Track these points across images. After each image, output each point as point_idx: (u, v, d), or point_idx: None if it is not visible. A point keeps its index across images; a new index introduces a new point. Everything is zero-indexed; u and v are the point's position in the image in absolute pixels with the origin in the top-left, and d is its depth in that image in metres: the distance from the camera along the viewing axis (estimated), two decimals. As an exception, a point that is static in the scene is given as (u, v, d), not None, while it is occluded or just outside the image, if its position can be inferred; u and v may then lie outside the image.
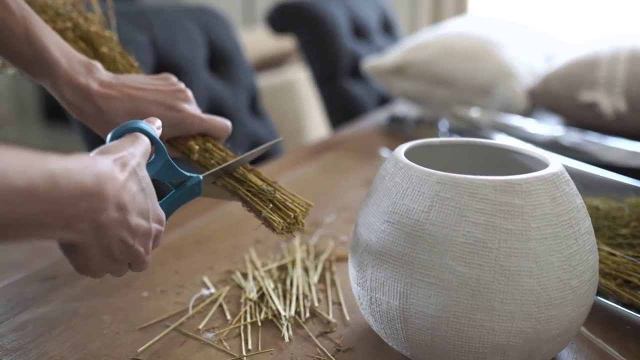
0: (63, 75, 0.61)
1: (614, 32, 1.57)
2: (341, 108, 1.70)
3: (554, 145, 1.11)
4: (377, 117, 1.50)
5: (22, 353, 0.57)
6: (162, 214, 0.51)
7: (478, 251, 0.47)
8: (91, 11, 0.73)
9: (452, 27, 1.66)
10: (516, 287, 0.47)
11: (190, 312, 0.64)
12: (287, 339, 0.59)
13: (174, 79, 0.67)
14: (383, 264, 0.51)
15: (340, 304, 0.66)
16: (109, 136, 0.52)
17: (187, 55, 1.20)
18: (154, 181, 0.52)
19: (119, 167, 0.45)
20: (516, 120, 1.26)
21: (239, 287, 0.69)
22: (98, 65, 0.63)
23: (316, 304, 0.65)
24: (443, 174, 0.49)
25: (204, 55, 1.26)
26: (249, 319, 0.62)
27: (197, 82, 1.21)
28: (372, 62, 1.56)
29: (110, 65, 0.69)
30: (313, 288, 0.68)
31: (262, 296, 0.67)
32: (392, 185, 0.53)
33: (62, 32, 0.69)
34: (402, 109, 1.59)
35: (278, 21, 1.67)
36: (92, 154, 0.47)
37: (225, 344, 0.59)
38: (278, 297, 0.66)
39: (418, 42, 1.55)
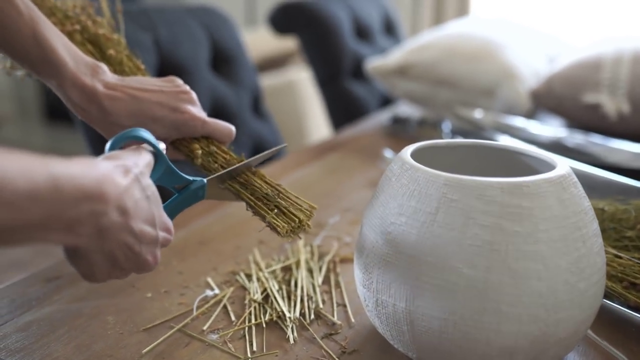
0: (69, 77, 0.61)
1: (617, 34, 1.56)
2: (343, 109, 1.70)
3: (557, 147, 1.11)
4: (380, 118, 1.50)
5: (26, 354, 0.57)
6: (170, 222, 0.51)
7: (485, 253, 0.47)
8: (100, 15, 0.73)
9: (455, 28, 1.66)
10: (524, 289, 0.47)
11: (195, 313, 0.64)
12: (292, 341, 0.59)
13: (179, 81, 0.67)
14: (389, 266, 0.51)
15: (345, 306, 0.66)
16: (108, 143, 0.51)
17: (190, 55, 1.20)
18: (158, 188, 0.52)
19: (121, 173, 0.45)
20: (519, 122, 1.25)
21: (243, 288, 0.69)
22: (104, 67, 0.63)
23: (321, 305, 0.65)
24: (450, 176, 0.49)
25: (207, 55, 1.26)
26: (253, 321, 0.62)
27: (200, 82, 1.21)
28: (375, 63, 1.55)
29: (117, 67, 0.69)
30: (317, 289, 0.68)
31: (266, 297, 0.67)
32: (399, 186, 0.52)
33: (70, 35, 0.69)
34: (405, 109, 1.58)
35: (280, 21, 1.67)
36: (99, 159, 0.47)
37: (229, 345, 0.59)
38: (282, 298, 0.66)
39: (421, 43, 1.55)
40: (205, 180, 0.59)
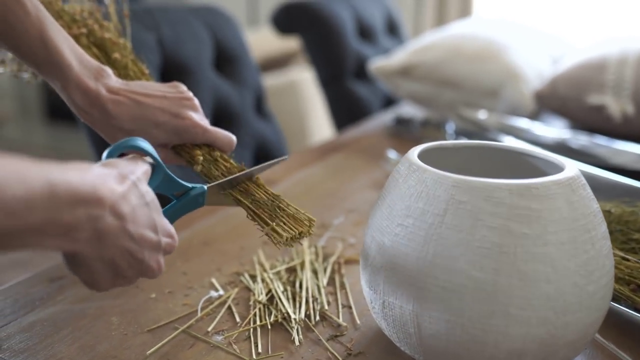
0: (73, 79, 0.61)
1: (622, 34, 1.56)
2: (346, 109, 1.69)
3: (561, 148, 1.11)
4: (383, 119, 1.49)
5: (30, 354, 0.57)
6: (172, 229, 0.51)
7: (494, 256, 0.46)
8: (107, 19, 0.73)
9: (458, 29, 1.65)
10: (533, 292, 0.46)
11: (199, 314, 0.63)
12: (297, 342, 0.59)
13: (182, 87, 0.67)
14: (397, 268, 0.51)
15: (350, 307, 0.65)
16: (106, 152, 0.51)
17: (193, 54, 1.20)
18: (158, 195, 0.51)
19: (117, 180, 0.45)
20: (523, 123, 1.25)
21: (248, 289, 0.69)
22: (109, 70, 0.64)
23: (326, 306, 0.65)
24: (458, 177, 0.49)
25: (210, 55, 1.26)
26: (258, 322, 0.62)
27: (203, 81, 1.20)
28: (378, 63, 1.55)
29: (122, 71, 0.69)
30: (322, 291, 0.67)
31: (271, 298, 0.66)
32: (406, 188, 0.52)
33: (76, 38, 0.69)
34: (408, 110, 1.58)
35: (283, 21, 1.66)
36: (94, 166, 0.47)
37: (234, 346, 0.58)
38: (287, 299, 0.65)
39: (424, 43, 1.54)
40: (205, 187, 0.59)
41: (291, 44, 2.31)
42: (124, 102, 0.62)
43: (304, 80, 2.22)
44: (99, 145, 1.03)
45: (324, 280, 0.70)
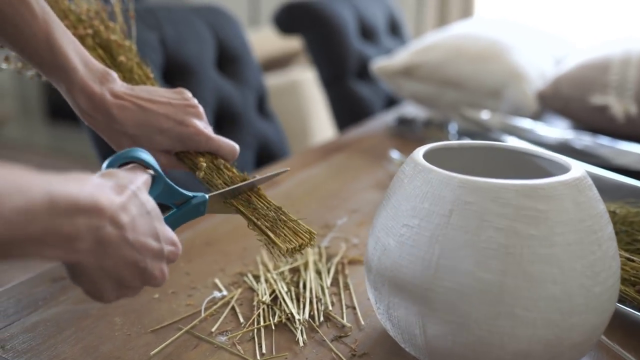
0: (78, 82, 0.61)
1: (625, 35, 1.55)
2: (348, 109, 1.69)
3: (564, 149, 1.10)
4: (385, 119, 1.49)
5: (33, 355, 0.57)
6: (175, 236, 0.50)
7: (500, 257, 0.46)
8: (113, 20, 0.73)
9: (460, 29, 1.65)
10: (539, 293, 0.46)
11: (203, 314, 0.63)
12: (301, 343, 0.59)
13: (187, 94, 0.67)
14: (402, 269, 0.50)
15: (354, 308, 0.65)
16: (105, 162, 0.51)
17: (195, 54, 1.19)
18: (159, 204, 0.51)
19: (115, 190, 0.45)
20: (526, 123, 1.25)
21: (251, 290, 0.69)
22: (114, 74, 0.63)
23: (330, 307, 0.65)
24: (465, 178, 0.49)
25: (213, 55, 1.26)
26: (262, 322, 0.62)
27: (205, 81, 1.20)
28: (380, 63, 1.55)
29: (127, 74, 0.69)
30: (326, 291, 0.67)
31: (274, 299, 0.66)
32: (412, 188, 0.52)
33: (82, 39, 0.69)
34: (410, 110, 1.58)
35: (285, 21, 1.66)
36: (93, 176, 0.46)
37: (238, 347, 0.58)
38: (291, 300, 0.65)
39: (427, 43, 1.54)
40: (207, 196, 0.59)
41: (293, 43, 2.30)
42: (129, 107, 0.62)
43: (306, 80, 2.21)
44: (102, 145, 1.03)
45: (327, 281, 0.70)
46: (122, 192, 0.45)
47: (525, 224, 0.46)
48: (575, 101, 1.34)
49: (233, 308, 0.65)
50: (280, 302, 0.65)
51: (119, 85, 0.63)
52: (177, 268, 0.73)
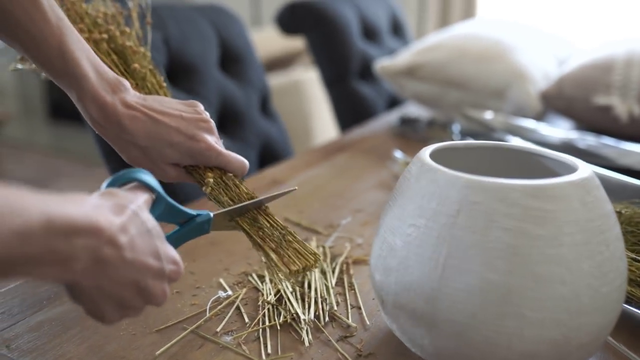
0: (89, 91, 0.60)
1: (628, 35, 1.55)
2: (351, 109, 1.69)
3: (568, 149, 1.10)
4: (388, 119, 1.49)
5: (39, 354, 0.57)
6: (176, 255, 0.50)
7: (508, 257, 0.46)
8: (129, 25, 0.73)
9: (463, 29, 1.65)
10: (547, 293, 0.46)
11: (208, 314, 0.63)
12: (307, 343, 0.58)
13: (200, 107, 0.66)
14: (409, 269, 0.50)
15: (359, 308, 0.65)
16: (105, 183, 0.51)
17: (199, 53, 1.19)
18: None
19: (116, 210, 0.45)
20: (529, 124, 1.25)
21: (256, 289, 0.69)
22: (126, 83, 0.63)
23: (335, 307, 0.64)
24: (472, 178, 0.48)
25: (216, 54, 1.26)
26: (267, 322, 0.62)
27: (208, 80, 1.20)
28: (383, 63, 1.55)
29: (139, 82, 0.69)
30: (331, 291, 0.67)
31: (279, 299, 0.66)
32: (418, 188, 0.52)
33: (97, 43, 0.69)
34: (413, 110, 1.58)
35: (288, 21, 1.66)
36: (92, 196, 0.46)
37: (244, 347, 0.58)
38: (296, 300, 0.65)
39: (430, 43, 1.54)
40: (211, 214, 0.58)
41: (295, 43, 2.30)
42: (140, 118, 0.62)
43: (308, 80, 2.21)
44: (105, 145, 1.03)
45: (332, 281, 0.69)
46: (121, 212, 0.45)
47: (533, 224, 0.46)
48: (579, 101, 1.33)
49: (238, 308, 0.65)
50: (285, 302, 0.65)
51: (131, 94, 0.63)
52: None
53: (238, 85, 1.30)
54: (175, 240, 0.56)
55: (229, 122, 1.25)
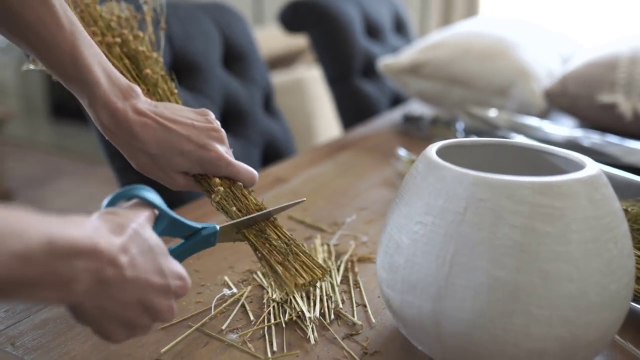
0: (101, 97, 0.60)
1: (632, 33, 1.55)
2: (354, 107, 1.68)
3: (573, 147, 1.10)
4: (391, 117, 1.49)
5: (44, 352, 0.56)
6: (182, 270, 0.49)
7: (516, 254, 0.46)
8: (143, 29, 0.73)
9: (467, 27, 1.65)
10: (555, 291, 0.46)
11: (213, 312, 0.63)
12: (312, 341, 0.58)
13: (211, 115, 0.66)
14: (415, 266, 0.50)
15: (364, 306, 0.65)
16: (106, 200, 0.50)
17: (202, 51, 1.19)
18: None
19: (117, 229, 0.45)
20: (533, 121, 1.24)
21: (261, 287, 0.68)
22: (138, 90, 0.63)
23: (340, 305, 0.64)
24: (479, 175, 0.48)
25: (219, 52, 1.25)
26: (272, 320, 0.61)
27: (212, 79, 1.20)
28: (387, 61, 1.54)
29: (151, 88, 0.69)
30: (337, 289, 0.67)
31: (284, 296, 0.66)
32: (425, 185, 0.51)
33: (109, 47, 0.68)
34: (417, 108, 1.57)
35: (291, 19, 1.66)
36: (92, 216, 0.46)
37: (249, 345, 0.58)
38: (302, 298, 0.65)
39: (433, 41, 1.54)
40: (218, 227, 0.58)
41: (298, 41, 2.30)
42: (151, 125, 0.62)
43: (311, 78, 2.21)
44: (108, 145, 1.02)
45: (337, 279, 0.69)
46: (122, 232, 0.45)
47: (541, 222, 0.46)
48: (583, 99, 1.33)
49: (243, 306, 0.65)
50: (291, 300, 0.64)
51: (143, 101, 0.62)
52: (186, 265, 0.72)
53: (241, 83, 1.29)
54: (180, 254, 0.55)
55: (232, 120, 1.25)
